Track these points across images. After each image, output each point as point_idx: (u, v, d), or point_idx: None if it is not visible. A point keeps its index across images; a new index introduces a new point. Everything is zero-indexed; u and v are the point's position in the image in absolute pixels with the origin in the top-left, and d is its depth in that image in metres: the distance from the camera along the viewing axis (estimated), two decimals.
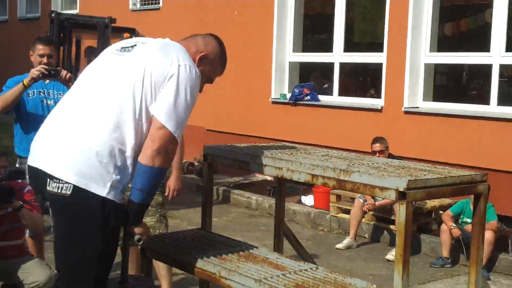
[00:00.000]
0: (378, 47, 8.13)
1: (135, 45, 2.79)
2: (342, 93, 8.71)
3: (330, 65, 8.71)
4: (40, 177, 2.62)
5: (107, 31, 6.97)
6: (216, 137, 10.01)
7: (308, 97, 8.68)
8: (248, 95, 9.49)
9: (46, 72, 4.21)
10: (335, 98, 8.64)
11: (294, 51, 9.21)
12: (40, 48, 4.47)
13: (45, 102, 4.51)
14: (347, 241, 6.57)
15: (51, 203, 2.68)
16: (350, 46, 8.86)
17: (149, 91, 2.63)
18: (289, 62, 9.21)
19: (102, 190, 2.55)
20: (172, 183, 4.38)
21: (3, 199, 3.74)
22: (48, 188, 2.58)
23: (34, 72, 4.25)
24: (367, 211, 6.66)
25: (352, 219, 6.65)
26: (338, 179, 2.72)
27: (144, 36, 8.06)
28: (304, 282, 2.61)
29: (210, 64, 2.91)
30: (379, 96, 8.19)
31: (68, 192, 2.53)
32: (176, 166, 4.42)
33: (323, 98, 8.75)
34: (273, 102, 9.12)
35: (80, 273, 2.64)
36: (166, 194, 4.34)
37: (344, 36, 8.53)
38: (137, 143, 2.64)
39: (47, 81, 4.50)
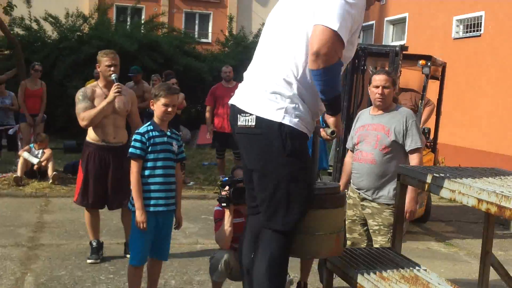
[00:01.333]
0: None
1: None
2: None
3: None
4: (234, 114, 3.05)
5: (397, 59, 7.21)
6: None
7: None
8: None
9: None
10: None
11: None
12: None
13: None
14: None
15: (241, 138, 3.04)
16: None
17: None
18: None
19: (278, 116, 2.85)
20: (406, 204, 4.41)
21: (239, 197, 4.20)
22: (238, 123, 3.00)
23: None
24: None
25: None
26: (499, 205, 2.59)
27: (439, 61, 8.07)
28: None
29: None
30: None
31: (253, 123, 2.91)
32: (411, 187, 4.43)
33: None
34: None
35: (277, 197, 2.89)
36: None
37: None
38: (306, 79, 2.89)
39: None
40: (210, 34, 24.65)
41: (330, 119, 2.95)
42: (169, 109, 4.26)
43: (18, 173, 8.58)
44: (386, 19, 14.59)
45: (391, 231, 4.34)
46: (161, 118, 4.28)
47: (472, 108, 11.12)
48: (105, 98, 5.28)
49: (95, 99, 5.30)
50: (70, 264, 5.34)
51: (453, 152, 11.39)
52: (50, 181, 8.64)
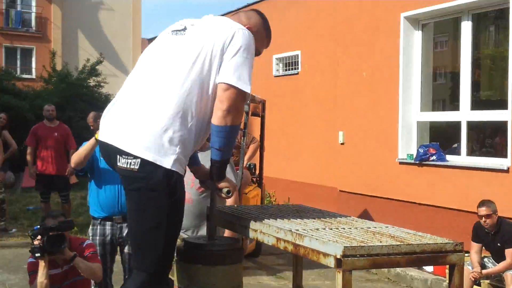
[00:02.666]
0: (504, 104, 7.60)
1: (185, 28, 2.98)
2: (470, 153, 8.24)
3: (458, 124, 8.31)
4: (110, 152, 2.86)
5: None
6: (349, 198, 9.96)
7: (434, 157, 8.33)
8: (376, 156, 9.34)
9: None
10: (462, 158, 8.18)
11: (422, 110, 8.94)
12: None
13: None
14: None
15: (122, 179, 2.90)
16: (477, 104, 8.40)
17: (214, 66, 2.81)
18: (417, 122, 8.94)
19: (167, 163, 2.73)
20: None
21: (53, 245, 4.06)
22: (118, 164, 2.81)
23: None
24: (473, 279, 6.12)
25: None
26: (294, 243, 2.68)
27: (258, 99, 8.41)
28: None
29: (255, 37, 3.00)
30: (505, 156, 7.58)
31: (136, 167, 2.74)
32: None
33: (451, 158, 8.32)
34: (400, 163, 8.88)
35: (151, 240, 2.79)
36: None
37: (471, 93, 8.13)
38: (200, 119, 2.83)
39: None
40: (33, 70, 23.61)
41: (221, 184, 3.00)
42: None
43: None
44: None
45: None
46: None
47: (296, 143, 11.69)
48: None
49: None
50: None
51: (283, 185, 11.86)
52: None
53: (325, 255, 2.48)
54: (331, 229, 2.83)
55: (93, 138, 4.66)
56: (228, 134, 2.82)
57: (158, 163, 2.72)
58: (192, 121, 2.80)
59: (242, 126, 8.15)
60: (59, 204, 10.03)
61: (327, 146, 10.59)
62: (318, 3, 11.22)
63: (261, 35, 3.09)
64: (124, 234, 4.73)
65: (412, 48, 8.95)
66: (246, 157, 8.41)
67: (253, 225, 3.01)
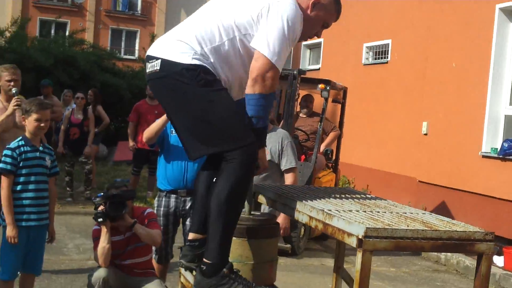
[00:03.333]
0: None
1: None
2: None
3: None
4: (145, 68, 3.05)
5: (295, 82, 7.48)
6: (427, 189, 9.77)
7: None
8: (459, 148, 9.08)
9: None
10: None
11: (511, 104, 8.58)
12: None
13: None
14: None
15: (151, 86, 3.04)
16: None
17: (250, 21, 2.88)
18: (505, 116, 8.60)
19: (185, 59, 2.85)
20: (280, 220, 4.58)
21: (114, 211, 4.31)
22: (147, 71, 3.00)
23: None
24: None
25: None
26: (324, 222, 2.74)
27: (340, 86, 8.40)
28: None
29: (324, 10, 3.07)
30: None
31: (158, 67, 2.90)
32: None
33: None
34: (483, 156, 8.59)
35: (207, 133, 2.84)
36: None
37: None
38: (224, 56, 2.90)
39: None
40: (136, 51, 24.61)
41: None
42: (42, 124, 4.32)
43: None
44: (303, 43, 14.98)
45: None
46: (34, 133, 4.32)
47: (380, 131, 11.55)
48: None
49: None
50: None
51: (364, 172, 11.78)
52: None
53: (349, 234, 2.53)
54: (365, 211, 2.87)
55: (165, 115, 4.88)
56: (257, 101, 2.85)
57: (175, 60, 2.84)
58: (209, 45, 2.86)
59: (320, 112, 8.20)
60: (146, 178, 10.50)
61: (410, 136, 10.40)
62: None
63: (331, 7, 3.11)
64: (187, 207, 4.92)
65: (506, 40, 8.60)
66: (324, 143, 8.45)
67: (290, 203, 3.10)
